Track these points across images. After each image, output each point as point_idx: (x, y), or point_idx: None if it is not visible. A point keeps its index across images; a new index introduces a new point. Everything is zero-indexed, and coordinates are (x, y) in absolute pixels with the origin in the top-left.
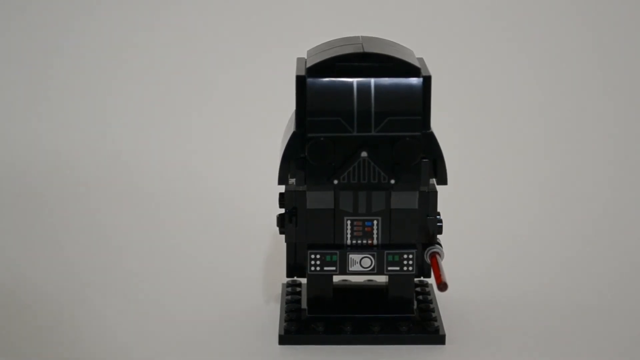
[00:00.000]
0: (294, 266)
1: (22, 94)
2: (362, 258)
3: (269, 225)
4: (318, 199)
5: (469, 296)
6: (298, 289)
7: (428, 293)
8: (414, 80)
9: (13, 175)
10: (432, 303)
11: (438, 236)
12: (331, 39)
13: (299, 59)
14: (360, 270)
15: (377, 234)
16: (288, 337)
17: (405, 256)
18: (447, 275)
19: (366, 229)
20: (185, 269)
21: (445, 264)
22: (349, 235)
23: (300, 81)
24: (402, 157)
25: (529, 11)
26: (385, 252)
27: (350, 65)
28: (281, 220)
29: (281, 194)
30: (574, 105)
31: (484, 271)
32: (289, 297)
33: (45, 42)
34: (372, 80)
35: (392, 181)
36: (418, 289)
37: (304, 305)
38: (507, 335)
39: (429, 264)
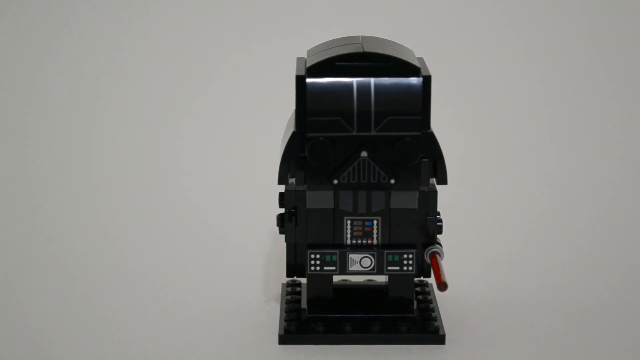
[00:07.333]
0: (294, 266)
1: (15, 94)
2: (362, 258)
3: (269, 225)
4: (318, 199)
5: (469, 296)
6: (298, 289)
7: (428, 293)
8: (414, 80)
9: (10, 176)
10: (432, 303)
11: (438, 236)
12: (331, 39)
13: (299, 59)
14: (360, 270)
15: (377, 233)
16: (288, 337)
17: (405, 256)
18: (447, 275)
19: (366, 228)
20: (185, 269)
21: (445, 264)
22: (348, 235)
23: (300, 81)
24: (402, 157)
25: (529, 10)
26: (385, 252)
27: (350, 65)
28: (281, 220)
29: (281, 194)
30: (575, 105)
31: (483, 271)
32: (289, 297)
33: (39, 43)
34: (372, 80)
35: (392, 181)
36: (418, 289)
37: (304, 305)
38: (507, 335)
39: (429, 264)
